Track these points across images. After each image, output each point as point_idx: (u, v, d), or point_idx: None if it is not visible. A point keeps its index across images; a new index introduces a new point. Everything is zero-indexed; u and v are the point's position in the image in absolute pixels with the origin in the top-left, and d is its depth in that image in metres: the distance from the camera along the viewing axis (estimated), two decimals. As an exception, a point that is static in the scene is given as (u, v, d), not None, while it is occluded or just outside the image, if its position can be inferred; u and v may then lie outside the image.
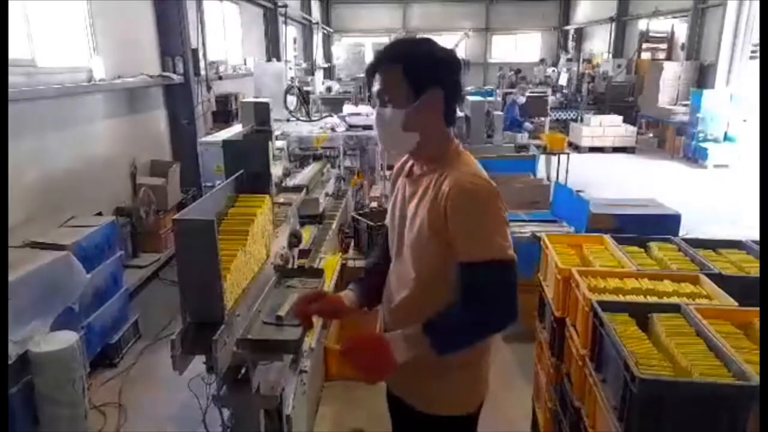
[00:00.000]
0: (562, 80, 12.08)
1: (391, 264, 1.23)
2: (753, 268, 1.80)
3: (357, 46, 12.27)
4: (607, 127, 8.94)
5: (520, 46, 16.74)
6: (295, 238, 1.79)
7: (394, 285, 1.19)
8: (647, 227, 2.09)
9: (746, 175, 6.86)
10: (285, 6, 9.49)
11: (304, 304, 1.19)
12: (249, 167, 1.59)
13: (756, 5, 7.69)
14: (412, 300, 1.12)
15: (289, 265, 1.72)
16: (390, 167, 1.66)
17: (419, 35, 1.23)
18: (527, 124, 6.32)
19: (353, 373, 0.97)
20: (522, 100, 6.65)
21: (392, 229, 1.22)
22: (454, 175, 1.04)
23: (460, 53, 14.01)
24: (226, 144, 1.66)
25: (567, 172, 6.12)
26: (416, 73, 1.06)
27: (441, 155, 1.11)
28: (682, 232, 2.10)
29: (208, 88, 5.60)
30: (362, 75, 8.16)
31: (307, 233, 2.56)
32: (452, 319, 1.01)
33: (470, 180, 1.03)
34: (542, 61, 14.79)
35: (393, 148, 1.15)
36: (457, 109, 1.17)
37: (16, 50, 3.02)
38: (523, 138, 6.09)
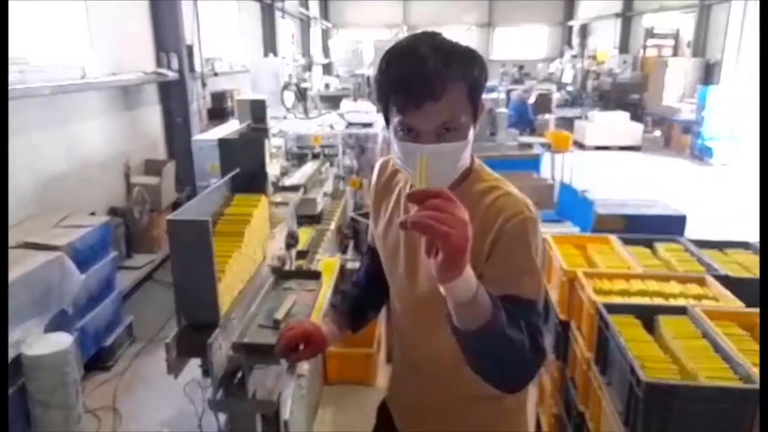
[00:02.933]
0: (567, 77, 11.99)
1: (392, 295, 1.06)
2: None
3: (356, 42, 12.19)
4: (613, 125, 8.84)
5: (524, 42, 16.63)
6: (292, 239, 1.76)
7: (414, 325, 1.01)
8: (653, 227, 2.06)
9: (753, 174, 6.82)
10: (282, 1, 9.42)
11: (288, 347, 1.07)
12: (245, 166, 1.56)
13: (760, 1, 7.63)
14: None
15: (287, 267, 1.69)
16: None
17: (420, 30, 1.00)
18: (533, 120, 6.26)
19: (419, 220, 0.60)
20: (532, 99, 6.62)
21: (392, 265, 1.01)
22: (503, 200, 0.87)
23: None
24: (222, 142, 1.63)
25: (572, 171, 6.07)
26: (479, 91, 0.84)
27: (467, 173, 0.91)
28: (687, 232, 2.07)
29: (204, 85, 5.54)
30: (361, 71, 8.11)
31: (305, 234, 2.52)
32: (512, 332, 0.75)
33: (527, 207, 0.87)
34: (561, 60, 14.47)
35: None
36: None
37: (9, 47, 2.97)
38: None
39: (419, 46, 0.80)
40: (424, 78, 0.77)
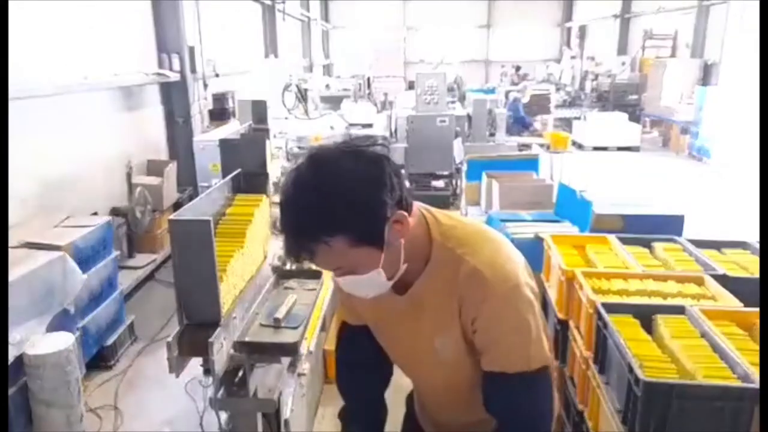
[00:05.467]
0: (566, 78, 12.02)
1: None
2: (758, 269, 1.78)
3: (356, 43, 12.25)
4: (611, 126, 8.89)
5: (523, 43, 16.65)
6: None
7: (434, 397, 1.07)
8: (651, 227, 2.06)
9: (751, 174, 6.84)
10: (283, 2, 9.44)
11: None
12: (246, 166, 1.58)
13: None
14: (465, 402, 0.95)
15: (287, 267, 1.70)
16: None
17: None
18: (528, 121, 6.28)
19: None
20: (526, 99, 6.64)
21: (404, 361, 1.05)
22: (474, 277, 0.84)
23: (461, 54, 13.89)
24: (223, 143, 1.65)
25: (570, 171, 6.09)
26: (373, 229, 0.77)
27: (423, 246, 0.86)
28: (685, 232, 2.08)
29: (205, 86, 5.56)
30: (362, 72, 8.13)
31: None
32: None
33: (503, 280, 0.84)
34: (559, 61, 14.51)
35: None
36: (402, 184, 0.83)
37: (11, 48, 2.98)
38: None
39: (302, 196, 0.77)
40: (297, 244, 0.78)
